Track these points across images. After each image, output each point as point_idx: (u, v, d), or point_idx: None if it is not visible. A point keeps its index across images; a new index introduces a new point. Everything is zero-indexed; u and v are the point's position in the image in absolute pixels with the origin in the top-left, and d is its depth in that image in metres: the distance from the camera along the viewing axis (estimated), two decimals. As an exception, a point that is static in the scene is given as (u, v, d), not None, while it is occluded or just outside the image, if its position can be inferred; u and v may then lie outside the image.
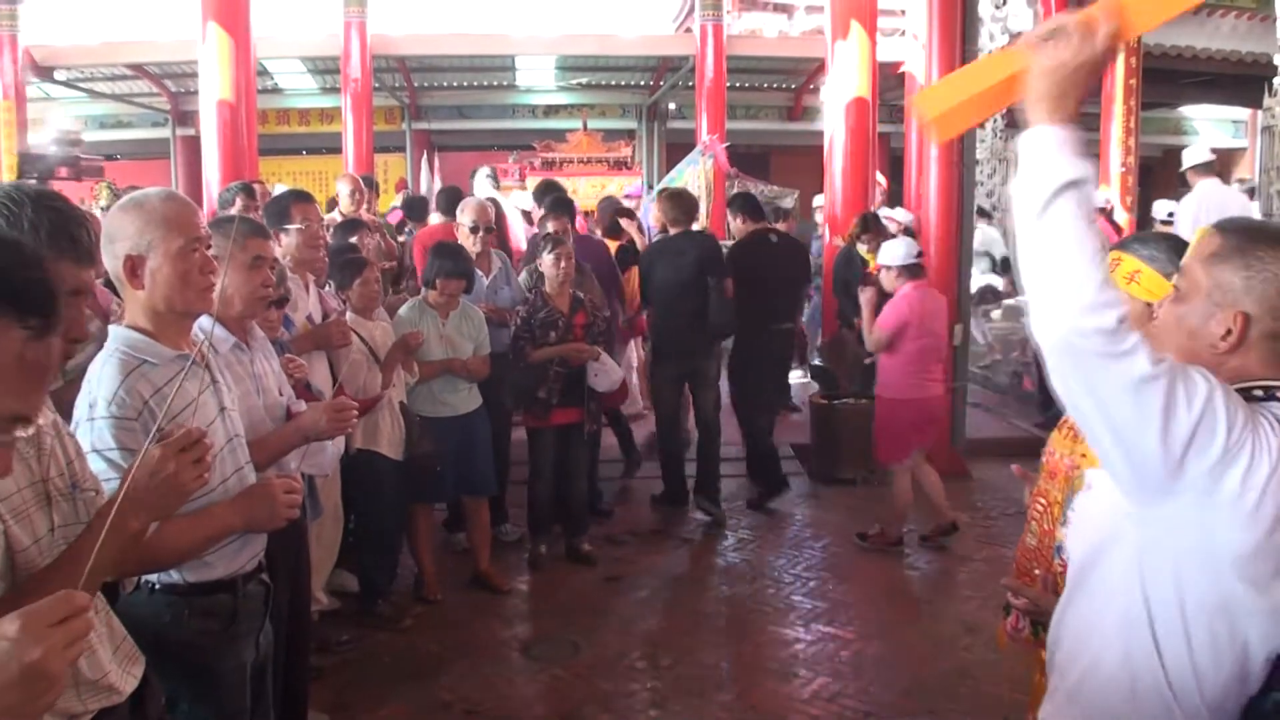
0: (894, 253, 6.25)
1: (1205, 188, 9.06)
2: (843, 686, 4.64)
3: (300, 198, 4.96)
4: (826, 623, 5.35)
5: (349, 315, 5.04)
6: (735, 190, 14.30)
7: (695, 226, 7.18)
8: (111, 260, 2.39)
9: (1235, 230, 1.78)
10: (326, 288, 5.17)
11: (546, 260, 5.97)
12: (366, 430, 5.04)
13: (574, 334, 5.95)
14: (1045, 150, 1.61)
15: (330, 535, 5.08)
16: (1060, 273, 1.57)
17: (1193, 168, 9.24)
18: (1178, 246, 2.20)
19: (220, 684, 2.54)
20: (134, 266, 2.39)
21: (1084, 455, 2.27)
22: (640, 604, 5.58)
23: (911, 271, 6.19)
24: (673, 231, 6.95)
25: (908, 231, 7.63)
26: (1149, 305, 2.20)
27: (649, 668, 4.83)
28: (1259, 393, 1.71)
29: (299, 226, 4.73)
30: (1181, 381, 1.56)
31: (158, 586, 2.46)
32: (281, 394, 3.22)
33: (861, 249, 8.18)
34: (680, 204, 7.00)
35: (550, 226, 6.78)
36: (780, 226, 8.57)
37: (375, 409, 5.02)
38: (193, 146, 11.80)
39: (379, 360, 5.05)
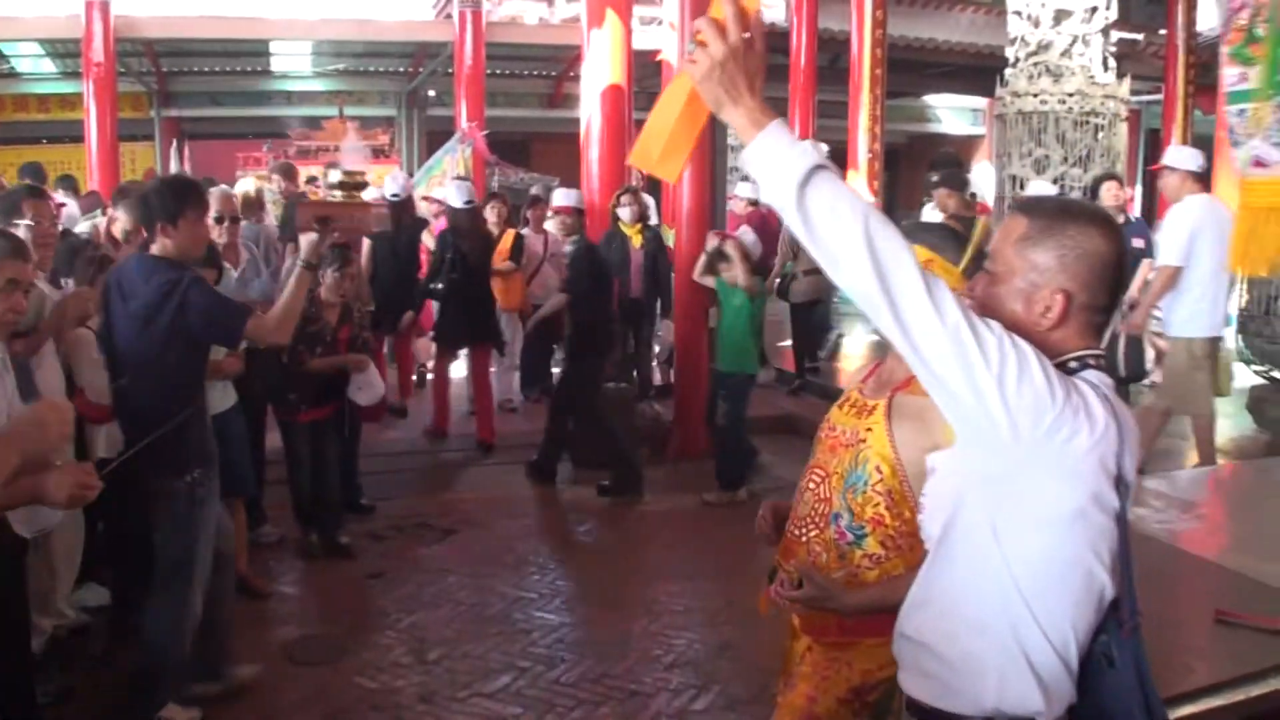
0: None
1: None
2: (608, 667, 4.69)
3: (32, 194, 4.74)
4: (592, 605, 5.41)
5: None
6: (495, 179, 14.26)
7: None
8: None
9: (1040, 211, 1.92)
10: (64, 284, 4.88)
11: (330, 276, 5.93)
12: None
13: (338, 349, 5.99)
14: (774, 155, 1.69)
15: (70, 542, 4.73)
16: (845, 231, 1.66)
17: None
18: (953, 235, 2.44)
19: None
20: None
21: (869, 429, 2.38)
22: (404, 599, 5.48)
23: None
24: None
25: (578, 210, 7.83)
26: None
27: (415, 663, 4.76)
28: (1074, 364, 1.84)
29: (29, 223, 4.48)
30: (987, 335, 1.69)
31: None
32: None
33: (624, 214, 8.69)
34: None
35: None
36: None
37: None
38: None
39: None
